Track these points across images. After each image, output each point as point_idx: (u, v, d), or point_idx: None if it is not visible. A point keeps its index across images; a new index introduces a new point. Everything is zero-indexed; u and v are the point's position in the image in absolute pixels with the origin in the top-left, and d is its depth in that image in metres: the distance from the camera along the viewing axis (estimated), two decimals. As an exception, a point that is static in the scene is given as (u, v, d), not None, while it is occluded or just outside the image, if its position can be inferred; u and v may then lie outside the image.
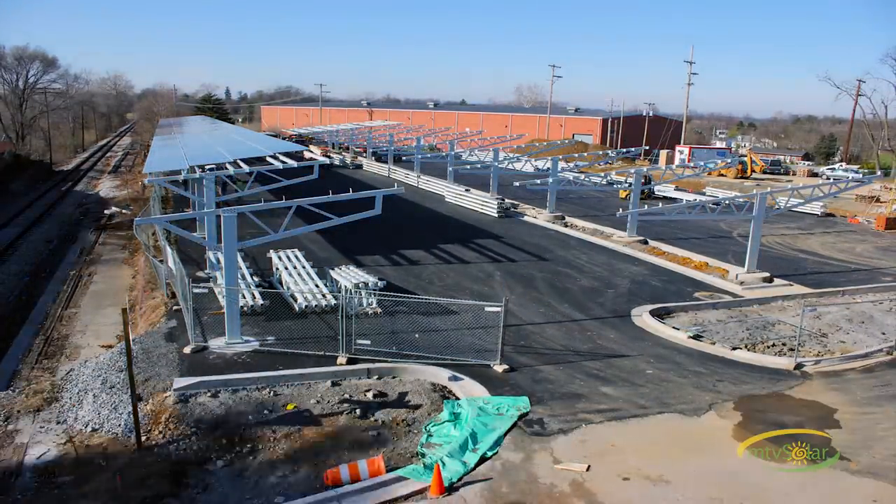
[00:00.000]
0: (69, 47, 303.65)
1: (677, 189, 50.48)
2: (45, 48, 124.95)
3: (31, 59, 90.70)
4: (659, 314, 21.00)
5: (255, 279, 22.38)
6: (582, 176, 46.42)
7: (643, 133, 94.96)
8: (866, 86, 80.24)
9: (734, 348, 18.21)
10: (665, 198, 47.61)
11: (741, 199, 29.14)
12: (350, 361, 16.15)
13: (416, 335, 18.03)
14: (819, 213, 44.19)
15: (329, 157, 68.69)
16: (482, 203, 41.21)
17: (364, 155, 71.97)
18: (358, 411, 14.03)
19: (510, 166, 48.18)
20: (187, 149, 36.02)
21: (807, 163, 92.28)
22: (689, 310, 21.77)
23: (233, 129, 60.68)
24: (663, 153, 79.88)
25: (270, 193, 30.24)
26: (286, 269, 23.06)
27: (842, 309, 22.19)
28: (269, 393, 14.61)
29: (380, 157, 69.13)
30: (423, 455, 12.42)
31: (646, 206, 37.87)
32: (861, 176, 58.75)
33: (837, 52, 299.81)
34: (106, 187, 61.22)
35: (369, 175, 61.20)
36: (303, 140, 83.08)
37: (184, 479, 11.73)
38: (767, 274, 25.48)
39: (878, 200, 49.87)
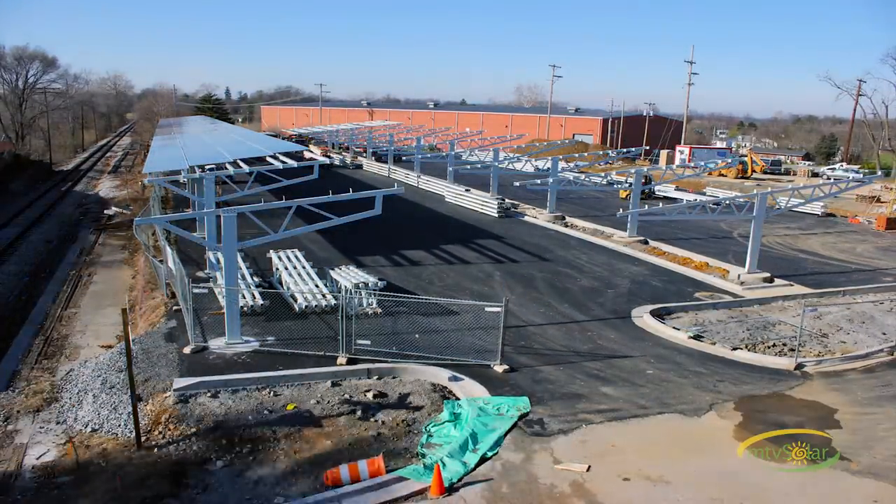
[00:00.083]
0: (69, 47, 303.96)
1: (678, 189, 50.46)
2: (45, 48, 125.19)
3: (31, 59, 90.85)
4: (659, 314, 20.98)
5: (255, 279, 22.36)
6: (582, 176, 46.39)
7: (643, 133, 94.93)
8: (867, 86, 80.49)
9: (734, 348, 18.19)
10: (665, 198, 47.59)
11: (741, 199, 29.12)
12: (350, 362, 16.14)
13: (417, 335, 18.02)
14: (820, 213, 44.19)
15: (329, 157, 68.71)
16: (482, 203, 41.20)
17: (364, 155, 71.97)
18: (358, 411, 14.01)
19: (510, 166, 48.16)
20: (187, 149, 36.03)
21: (807, 163, 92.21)
22: (689, 310, 21.75)
23: (233, 129, 60.72)
24: (663, 153, 79.88)
25: (270, 193, 30.23)
26: (286, 269, 23.05)
27: (842, 309, 22.18)
28: (269, 393, 14.60)
29: (380, 157, 69.14)
30: (424, 455, 12.41)
31: (646, 206, 37.83)
32: (861, 176, 58.72)
33: (838, 53, 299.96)
34: (106, 187, 61.19)
35: (369, 175, 61.20)
36: (303, 140, 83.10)
37: (184, 480, 11.71)
38: (768, 274, 25.47)
39: (878, 200, 49.87)
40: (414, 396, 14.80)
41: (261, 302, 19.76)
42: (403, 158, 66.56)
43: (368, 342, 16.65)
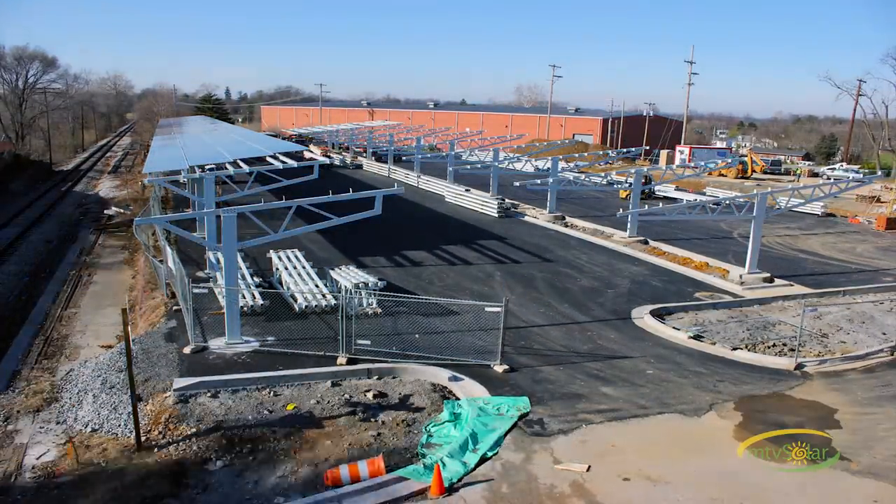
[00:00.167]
0: (69, 47, 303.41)
1: (678, 189, 50.44)
2: (45, 48, 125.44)
3: (31, 58, 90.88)
4: (659, 314, 20.98)
5: (255, 279, 22.35)
6: (582, 176, 46.37)
7: (643, 133, 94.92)
8: (867, 86, 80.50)
9: (734, 348, 18.19)
10: (665, 198, 47.58)
11: (741, 200, 29.12)
12: (350, 362, 16.14)
13: (417, 335, 18.02)
14: (820, 213, 44.19)
15: (329, 157, 68.68)
16: (482, 203, 41.20)
17: (364, 155, 71.96)
18: (358, 411, 14.01)
19: (510, 166, 48.18)
20: (187, 149, 36.03)
21: (807, 163, 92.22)
22: (689, 310, 21.75)
23: (232, 129, 60.72)
24: (664, 153, 79.88)
25: (270, 193, 30.23)
26: (286, 269, 23.05)
27: (842, 309, 22.18)
28: (269, 393, 14.60)
29: (380, 157, 69.13)
30: (424, 455, 12.41)
31: (646, 206, 37.84)
32: (861, 176, 58.73)
33: (838, 53, 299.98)
34: (106, 187, 61.19)
35: (369, 175, 61.20)
36: (303, 140, 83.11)
37: (184, 480, 11.72)
38: (768, 274, 25.47)
39: (878, 200, 49.87)
40: (414, 396, 14.80)
41: (261, 302, 19.76)
42: (403, 158, 66.55)
43: (368, 342, 16.64)
